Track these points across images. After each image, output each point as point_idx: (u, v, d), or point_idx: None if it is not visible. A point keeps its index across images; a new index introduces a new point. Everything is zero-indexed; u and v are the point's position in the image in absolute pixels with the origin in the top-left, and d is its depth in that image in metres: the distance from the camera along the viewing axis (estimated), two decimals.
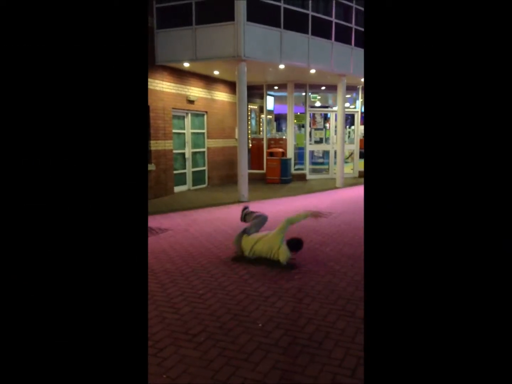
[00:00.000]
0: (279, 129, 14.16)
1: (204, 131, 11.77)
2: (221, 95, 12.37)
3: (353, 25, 11.80)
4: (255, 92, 13.26)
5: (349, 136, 14.77)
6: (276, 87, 13.38)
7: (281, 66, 9.97)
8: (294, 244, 4.77)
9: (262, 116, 13.62)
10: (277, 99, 13.84)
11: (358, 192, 11.02)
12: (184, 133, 11.00)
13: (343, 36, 11.52)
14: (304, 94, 13.39)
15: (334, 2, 11.09)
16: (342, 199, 9.95)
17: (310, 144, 13.69)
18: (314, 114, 14.03)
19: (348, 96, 13.91)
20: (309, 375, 2.54)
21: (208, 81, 11.62)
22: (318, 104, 14.50)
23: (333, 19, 11.13)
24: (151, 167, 9.46)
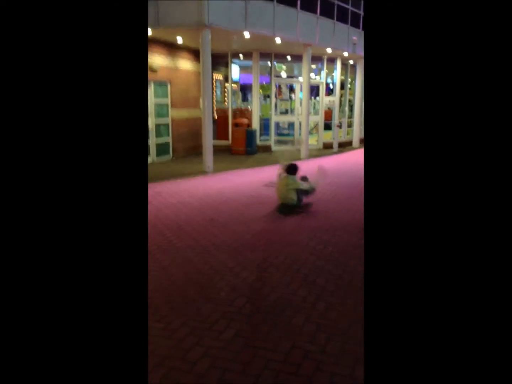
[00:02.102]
0: (244, 99, 13.99)
1: (168, 101, 11.47)
2: (185, 64, 12.04)
3: None
4: (220, 60, 12.98)
5: (314, 107, 14.81)
6: (241, 56, 13.14)
7: (246, 34, 9.77)
8: (292, 168, 6.01)
9: (227, 85, 13.40)
10: (242, 68, 13.62)
11: (321, 163, 11.17)
12: None
13: (308, 5, 11.37)
14: (269, 63, 13.23)
15: None
16: (306, 171, 10.04)
17: (276, 115, 13.65)
18: (280, 85, 13.94)
19: (313, 67, 13.86)
20: (270, 341, 2.64)
21: (171, 49, 11.25)
22: (284, 74, 14.39)
23: None
24: None
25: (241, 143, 12.34)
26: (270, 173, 9.28)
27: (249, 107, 13.29)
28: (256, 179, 8.31)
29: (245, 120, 12.70)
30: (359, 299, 3.20)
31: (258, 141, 13.16)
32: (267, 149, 13.32)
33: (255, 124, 13.08)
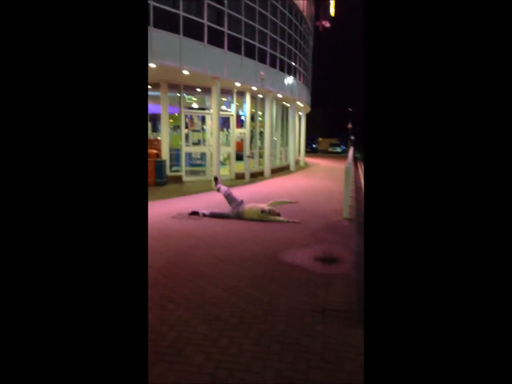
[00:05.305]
0: (154, 129, 13.75)
1: None
2: None
3: (225, 30, 12.01)
4: None
5: (226, 139, 15.00)
6: (149, 87, 12.96)
7: (152, 65, 9.68)
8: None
9: None
10: (151, 98, 13.42)
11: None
12: None
13: (216, 40, 11.65)
14: (178, 95, 13.21)
15: (206, 4, 11.14)
16: (217, 202, 9.99)
17: (187, 145, 13.57)
18: (191, 116, 13.94)
19: (224, 99, 14.11)
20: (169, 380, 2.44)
21: None
22: (195, 105, 14.44)
23: (205, 22, 11.18)
24: None
25: (150, 174, 11.99)
26: (180, 205, 9.08)
27: (158, 137, 13.06)
28: (164, 212, 8.05)
29: (153, 151, 12.43)
30: (263, 330, 3.12)
31: (169, 172, 12.92)
32: (178, 179, 13.11)
33: (165, 155, 12.86)
